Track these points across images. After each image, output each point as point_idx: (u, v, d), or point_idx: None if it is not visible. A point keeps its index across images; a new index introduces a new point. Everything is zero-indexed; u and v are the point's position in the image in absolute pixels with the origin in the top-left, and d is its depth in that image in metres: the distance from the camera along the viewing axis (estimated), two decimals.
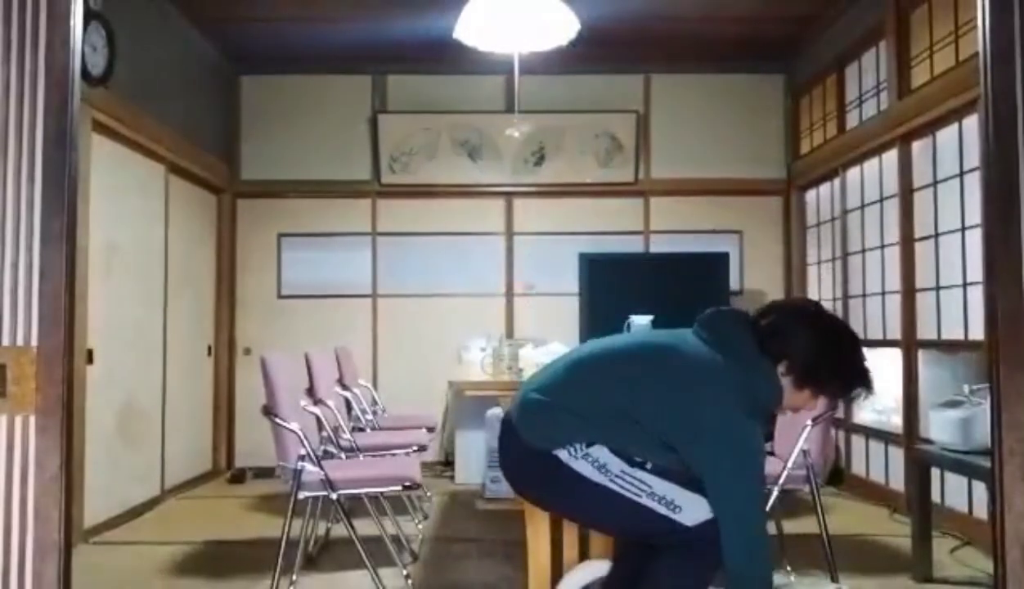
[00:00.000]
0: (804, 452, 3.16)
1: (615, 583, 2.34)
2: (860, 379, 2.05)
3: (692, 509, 2.01)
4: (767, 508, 2.05)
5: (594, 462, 2.05)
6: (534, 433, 2.11)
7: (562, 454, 2.07)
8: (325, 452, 3.69)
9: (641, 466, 2.06)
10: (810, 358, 2.03)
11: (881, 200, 5.13)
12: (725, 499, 1.97)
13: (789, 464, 3.11)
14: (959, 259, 4.25)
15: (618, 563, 2.36)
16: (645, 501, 2.03)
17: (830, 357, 2.04)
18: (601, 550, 2.81)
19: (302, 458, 3.12)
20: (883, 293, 5.08)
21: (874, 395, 2.10)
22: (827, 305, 5.76)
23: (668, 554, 2.06)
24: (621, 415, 2.06)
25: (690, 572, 2.06)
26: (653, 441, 2.05)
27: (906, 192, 4.78)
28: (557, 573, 2.77)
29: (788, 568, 3.47)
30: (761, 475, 2.08)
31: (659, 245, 6.48)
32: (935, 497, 3.97)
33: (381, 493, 3.51)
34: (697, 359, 2.05)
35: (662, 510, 2.02)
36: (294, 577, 3.39)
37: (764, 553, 1.98)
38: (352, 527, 3.25)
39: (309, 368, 4.03)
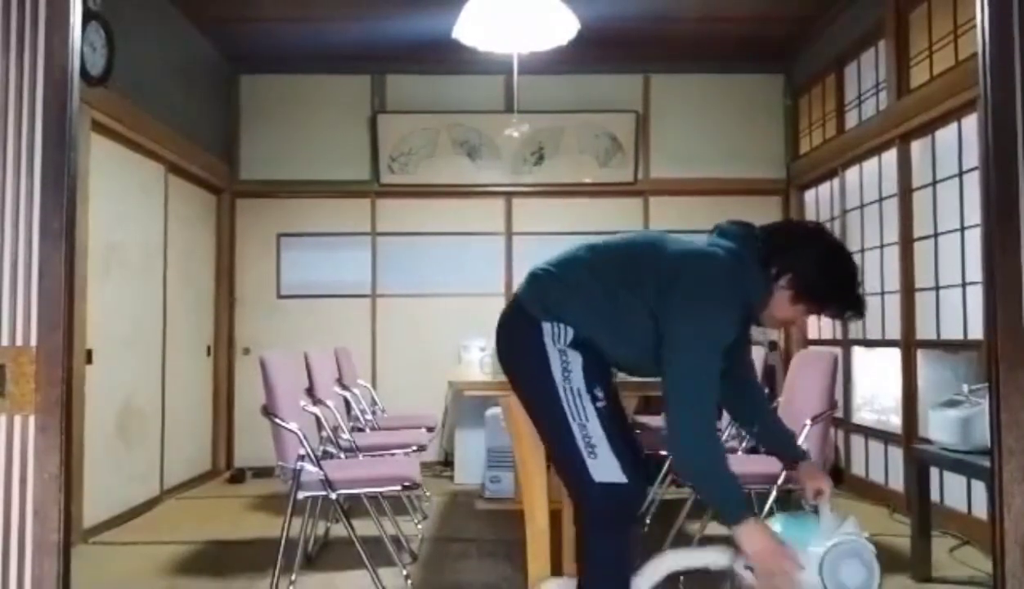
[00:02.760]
0: (804, 452, 3.16)
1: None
2: (855, 302, 2.14)
3: (606, 465, 2.01)
4: (715, 418, 2.06)
5: (564, 362, 2.08)
6: (531, 296, 2.17)
7: (545, 327, 2.10)
8: (324, 452, 3.69)
9: (594, 401, 2.07)
10: (812, 274, 2.11)
11: (880, 200, 5.13)
12: (674, 362, 2.01)
13: None
14: (958, 259, 4.25)
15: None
16: (575, 429, 2.04)
17: (832, 276, 2.13)
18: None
19: (301, 458, 3.12)
20: (882, 293, 5.08)
21: (862, 318, 2.17)
22: None
23: (584, 528, 2.08)
24: (612, 293, 2.10)
25: (599, 544, 2.07)
26: (633, 323, 2.08)
27: (905, 192, 4.79)
28: (557, 573, 2.76)
29: None
30: (714, 358, 2.04)
31: None
32: (934, 497, 3.97)
33: (380, 493, 3.51)
34: (703, 249, 2.22)
35: (580, 446, 2.03)
36: (293, 577, 3.39)
37: (701, 434, 2.00)
38: (351, 527, 3.25)
39: (308, 368, 4.03)
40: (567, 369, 2.08)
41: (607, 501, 2.02)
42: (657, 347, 2.05)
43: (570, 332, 2.09)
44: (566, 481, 2.14)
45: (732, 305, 2.09)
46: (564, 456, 2.08)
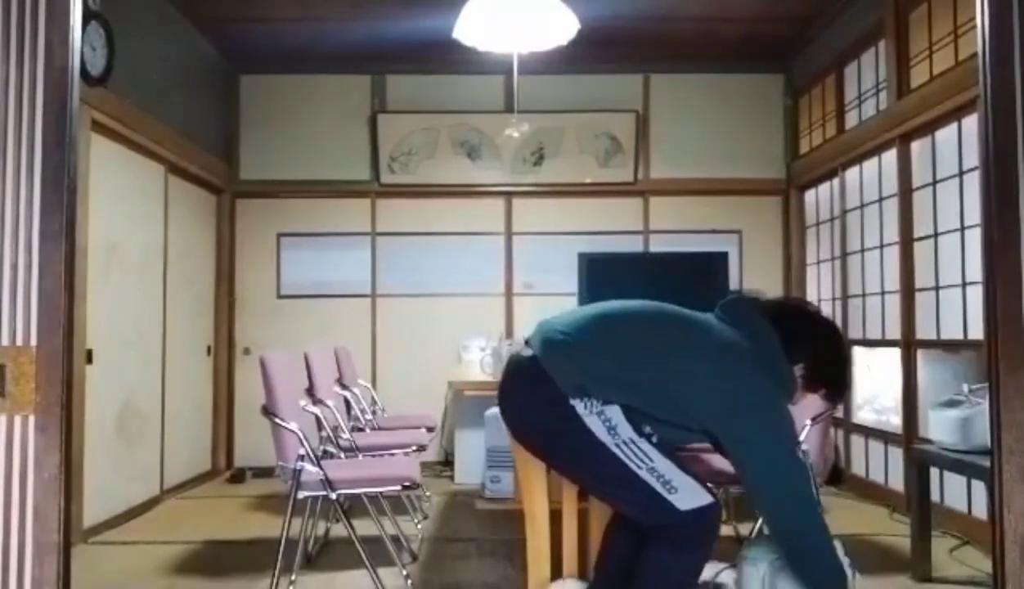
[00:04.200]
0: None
1: (606, 574, 2.34)
2: (847, 385, 2.32)
3: (688, 493, 2.02)
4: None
5: (605, 421, 2.05)
6: (561, 373, 2.09)
7: (578, 406, 2.06)
8: (324, 452, 3.69)
9: (648, 438, 2.06)
10: (823, 365, 2.18)
11: (880, 200, 5.13)
12: (772, 475, 2.00)
13: None
14: (958, 259, 4.25)
15: (609, 554, 2.35)
16: (644, 475, 2.03)
17: (838, 366, 2.23)
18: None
19: (301, 458, 3.12)
20: (882, 293, 5.08)
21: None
22: (826, 305, 5.77)
23: (659, 545, 2.06)
24: (645, 379, 2.07)
25: (681, 563, 2.07)
26: (672, 410, 2.07)
27: (905, 192, 4.79)
28: (557, 573, 2.76)
29: None
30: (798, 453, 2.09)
31: (658, 245, 6.48)
32: (934, 497, 3.97)
33: (380, 493, 3.51)
34: (732, 340, 2.11)
35: (658, 487, 2.02)
36: (293, 577, 3.39)
37: (823, 532, 2.02)
38: (351, 527, 3.25)
39: (308, 368, 4.03)
40: (611, 427, 2.05)
41: (699, 523, 2.03)
42: (686, 416, 2.07)
43: (601, 399, 2.06)
44: (646, 521, 2.09)
45: (789, 411, 2.13)
46: (640, 502, 2.06)
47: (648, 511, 2.06)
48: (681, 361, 2.09)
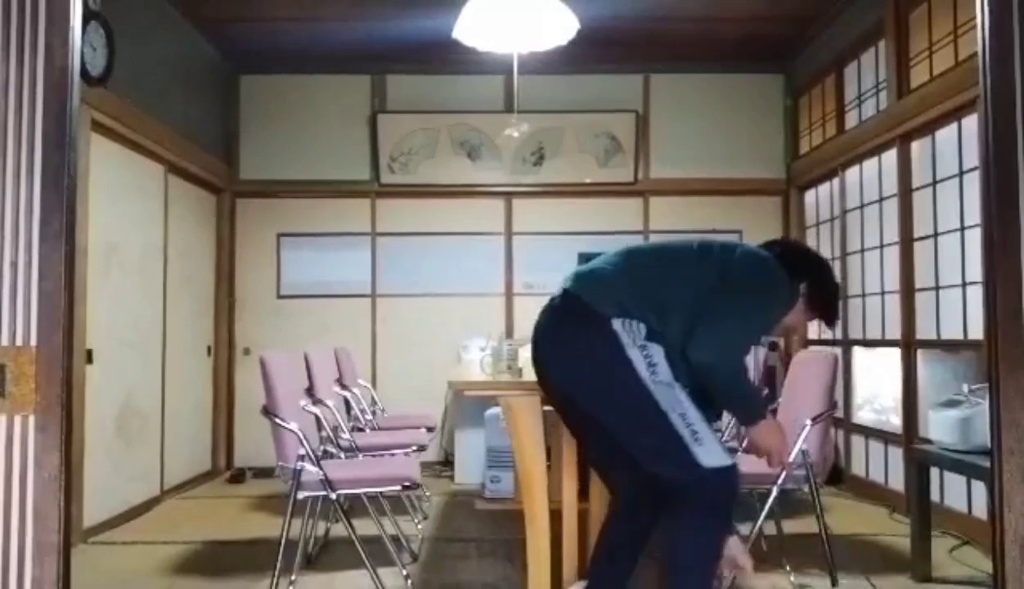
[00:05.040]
0: (803, 452, 3.17)
1: (616, 541, 2.34)
2: (838, 312, 2.51)
3: (712, 448, 2.04)
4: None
5: (647, 356, 2.06)
6: (596, 295, 2.11)
7: (616, 324, 2.06)
8: (324, 452, 3.69)
9: (683, 388, 2.08)
10: (819, 286, 2.38)
11: (880, 200, 5.13)
12: (727, 318, 2.10)
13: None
14: (958, 259, 4.25)
15: (619, 521, 2.37)
16: (674, 419, 2.03)
17: (831, 291, 2.44)
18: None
19: (301, 458, 3.12)
20: (882, 293, 5.08)
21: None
22: None
23: (682, 512, 2.06)
24: (680, 276, 2.16)
25: (708, 530, 2.07)
26: (698, 308, 2.12)
27: (905, 192, 4.79)
28: (557, 573, 2.77)
29: (788, 568, 3.47)
30: (752, 339, 2.33)
31: None
32: (934, 497, 3.97)
33: (380, 493, 3.52)
34: (755, 247, 2.36)
35: (686, 436, 2.03)
36: (293, 577, 3.39)
37: (737, 358, 2.16)
38: (351, 527, 3.25)
39: (308, 368, 4.03)
40: (652, 364, 2.06)
41: (721, 485, 2.05)
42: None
43: (642, 327, 2.08)
44: (666, 472, 2.11)
45: (780, 306, 2.27)
46: (664, 449, 2.07)
47: (670, 461, 2.06)
48: (711, 255, 2.22)
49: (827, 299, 2.41)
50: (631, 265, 2.22)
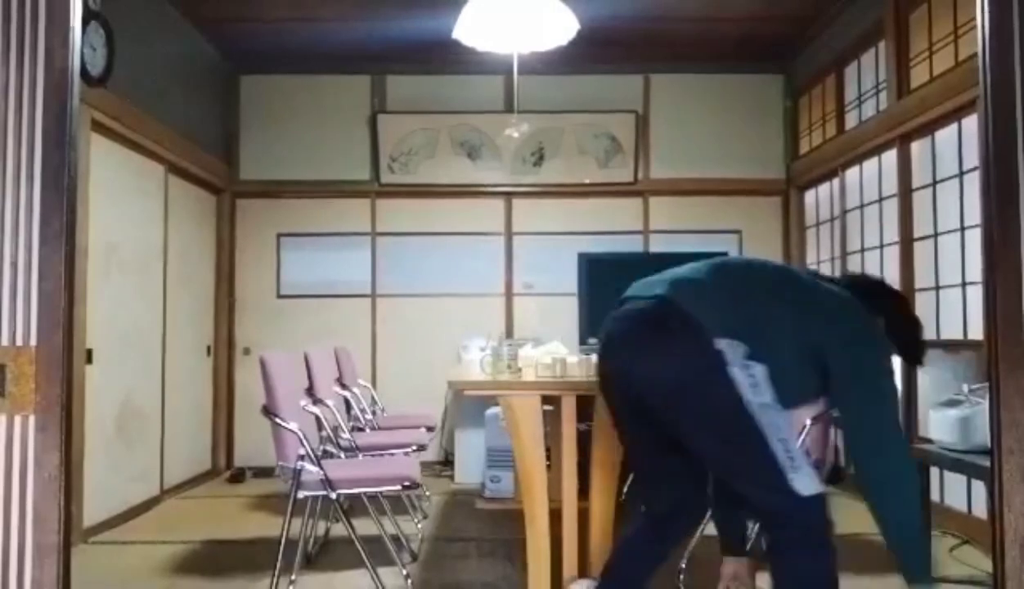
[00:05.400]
0: (804, 452, 3.16)
1: (640, 552, 2.28)
2: (925, 345, 2.34)
3: (807, 475, 1.96)
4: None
5: (751, 376, 1.94)
6: (699, 308, 1.97)
7: (725, 349, 1.94)
8: (324, 452, 3.69)
9: (781, 412, 1.99)
10: (900, 323, 2.23)
11: (880, 200, 5.13)
12: (876, 393, 2.01)
13: None
14: (958, 259, 4.25)
15: (647, 534, 2.28)
16: (774, 445, 1.94)
17: (914, 325, 2.29)
18: (600, 565, 2.80)
19: (301, 458, 3.12)
20: None
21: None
22: None
23: (789, 551, 1.98)
24: (783, 310, 2.03)
25: (812, 561, 1.99)
26: (803, 342, 2.02)
27: (905, 192, 4.78)
28: (557, 573, 2.77)
29: None
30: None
31: (658, 245, 6.48)
32: (934, 496, 3.98)
33: (380, 493, 3.51)
34: (838, 290, 2.17)
35: (783, 462, 1.94)
36: (293, 577, 3.39)
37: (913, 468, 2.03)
38: (351, 527, 3.25)
39: (308, 368, 4.03)
40: (755, 384, 1.95)
41: (820, 513, 1.98)
42: (802, 367, 2.02)
43: (742, 347, 1.96)
44: (759, 499, 2.02)
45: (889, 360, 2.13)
46: (760, 475, 1.97)
47: (768, 490, 1.97)
48: (810, 294, 2.10)
49: (911, 335, 2.24)
50: (731, 286, 2.08)
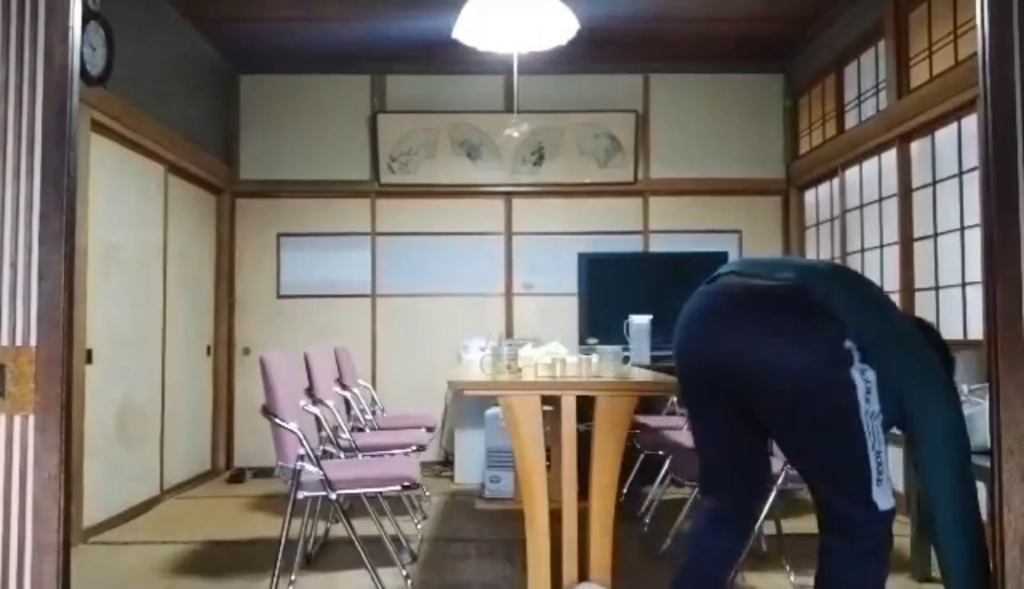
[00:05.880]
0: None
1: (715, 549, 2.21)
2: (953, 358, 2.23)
3: (887, 490, 1.94)
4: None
5: (866, 381, 1.89)
6: (831, 298, 1.89)
7: (849, 339, 1.87)
8: (324, 452, 3.69)
9: (882, 424, 1.95)
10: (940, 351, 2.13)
11: (880, 200, 5.13)
12: (949, 414, 1.94)
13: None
14: (958, 259, 4.25)
15: (715, 528, 2.20)
16: (871, 456, 1.90)
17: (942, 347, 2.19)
18: (600, 565, 2.81)
19: (301, 458, 3.12)
20: None
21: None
22: None
23: (848, 556, 1.96)
24: (880, 339, 1.95)
25: (873, 574, 1.98)
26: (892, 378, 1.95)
27: (905, 192, 4.79)
28: (557, 573, 2.77)
29: (788, 568, 3.47)
30: None
31: (658, 245, 6.48)
32: None
33: (380, 493, 3.51)
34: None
35: (873, 474, 1.90)
36: (293, 577, 3.39)
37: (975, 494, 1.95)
38: (351, 527, 3.25)
39: (308, 368, 4.03)
40: (869, 391, 1.90)
41: (888, 528, 1.96)
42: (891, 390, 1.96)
43: (857, 350, 1.90)
44: (842, 506, 1.97)
45: None
46: (849, 483, 1.94)
47: (852, 500, 1.94)
48: (900, 317, 2.07)
49: (941, 343, 2.18)
50: (852, 289, 2.01)
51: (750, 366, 1.94)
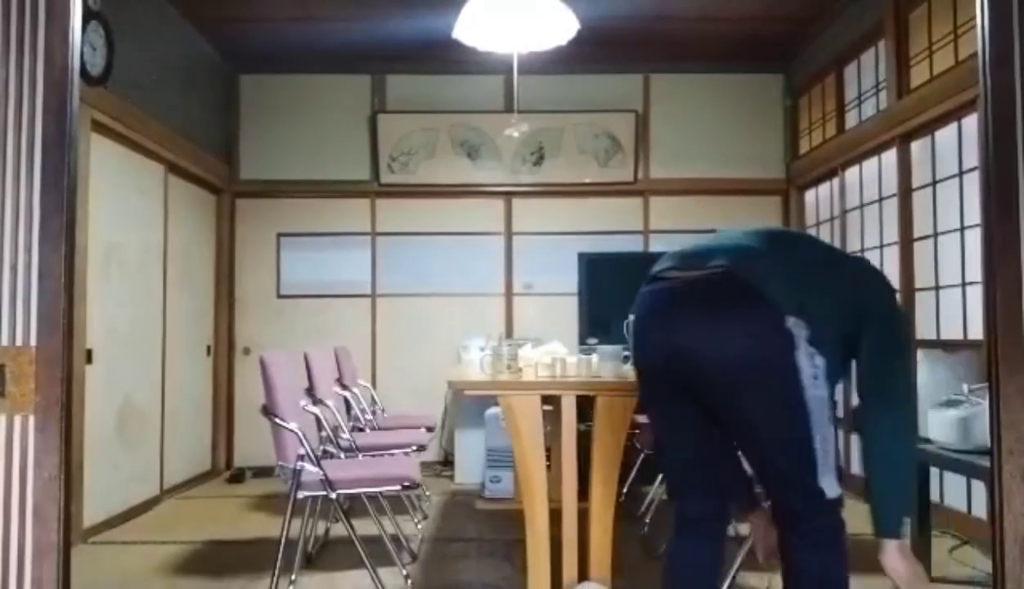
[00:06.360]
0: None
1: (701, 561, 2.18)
2: None
3: (834, 477, 1.95)
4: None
5: (813, 366, 1.87)
6: (767, 281, 1.88)
7: (791, 322, 1.85)
8: (324, 452, 3.69)
9: (832, 409, 1.95)
10: None
11: (880, 200, 5.13)
12: (905, 352, 2.02)
13: None
14: (958, 259, 4.25)
15: (692, 538, 2.18)
16: (817, 443, 1.89)
17: None
18: (600, 565, 2.81)
19: (301, 458, 3.12)
20: None
21: None
22: None
23: (804, 548, 1.97)
24: (823, 297, 1.95)
25: (836, 562, 2.00)
26: (839, 324, 1.96)
27: (905, 192, 4.79)
28: (557, 573, 2.77)
29: None
30: None
31: (658, 245, 6.47)
32: (934, 497, 3.97)
33: (380, 493, 3.51)
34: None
35: (819, 460, 1.89)
36: (293, 577, 3.39)
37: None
38: (351, 527, 3.25)
39: (308, 368, 4.03)
40: (816, 375, 1.88)
41: (839, 515, 1.97)
42: (843, 345, 1.98)
43: (808, 329, 1.87)
44: (788, 498, 1.97)
45: None
46: (797, 473, 1.93)
47: (798, 490, 1.94)
48: (844, 260, 2.14)
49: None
50: (789, 256, 1.99)
51: (694, 359, 1.93)
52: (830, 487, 1.94)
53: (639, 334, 2.11)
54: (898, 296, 2.20)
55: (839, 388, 2.29)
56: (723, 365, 1.90)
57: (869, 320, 1.99)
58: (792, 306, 1.86)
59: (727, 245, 2.02)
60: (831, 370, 1.92)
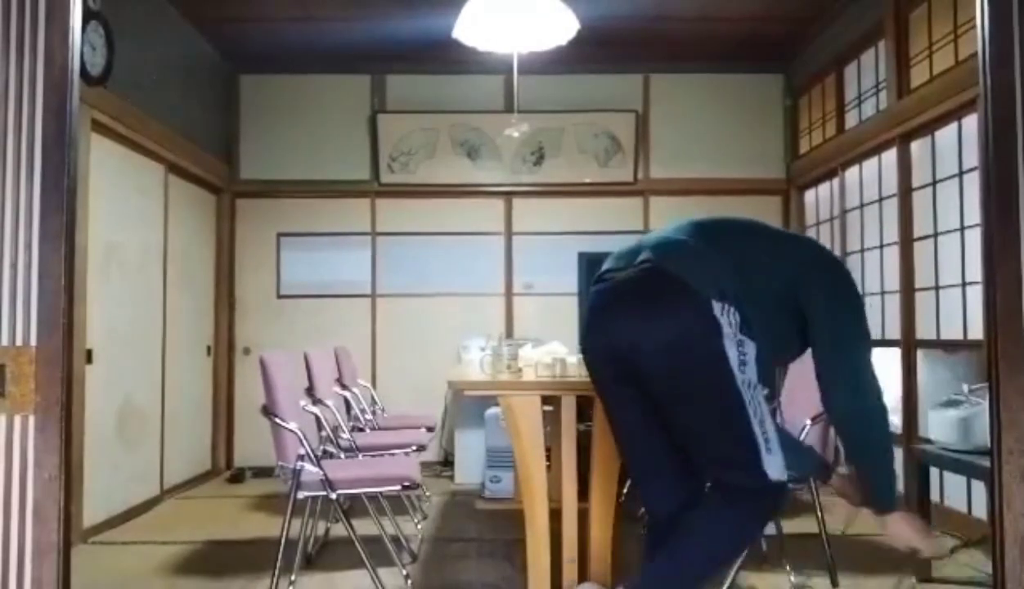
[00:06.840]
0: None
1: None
2: None
3: (778, 459, 1.98)
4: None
5: (742, 354, 1.93)
6: (690, 270, 1.94)
7: (716, 307, 1.91)
8: (324, 452, 3.69)
9: (764, 396, 1.99)
10: None
11: (880, 200, 5.13)
12: (861, 340, 2.06)
13: None
14: (958, 259, 4.25)
15: (662, 538, 2.20)
16: (754, 426, 1.94)
17: None
18: (600, 565, 2.81)
19: (301, 458, 3.12)
20: (882, 293, 5.08)
21: None
22: None
23: (733, 511, 1.99)
24: (755, 273, 2.01)
25: (745, 534, 2.04)
26: (779, 299, 2.02)
27: (905, 192, 4.78)
28: (557, 573, 2.77)
29: (788, 568, 3.47)
30: None
31: None
32: (934, 497, 3.97)
33: (380, 493, 3.51)
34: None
35: (760, 443, 1.94)
36: (293, 577, 3.39)
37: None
38: (351, 527, 3.25)
39: (308, 368, 4.04)
40: (744, 361, 1.93)
41: (778, 498, 2.01)
42: (791, 321, 2.04)
43: (737, 316, 1.93)
44: (731, 479, 2.01)
45: None
46: (737, 455, 1.97)
47: (739, 467, 1.98)
48: (781, 236, 2.19)
49: None
50: (715, 242, 2.05)
51: (633, 352, 2.01)
52: (774, 469, 1.97)
53: (584, 336, 2.21)
54: (846, 270, 2.22)
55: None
56: (657, 355, 1.97)
57: (812, 293, 2.05)
58: (718, 292, 1.92)
59: (653, 241, 2.11)
60: (763, 355, 1.98)
